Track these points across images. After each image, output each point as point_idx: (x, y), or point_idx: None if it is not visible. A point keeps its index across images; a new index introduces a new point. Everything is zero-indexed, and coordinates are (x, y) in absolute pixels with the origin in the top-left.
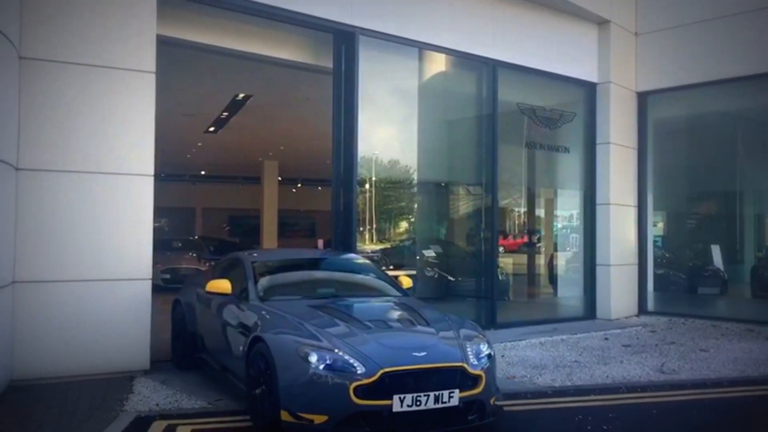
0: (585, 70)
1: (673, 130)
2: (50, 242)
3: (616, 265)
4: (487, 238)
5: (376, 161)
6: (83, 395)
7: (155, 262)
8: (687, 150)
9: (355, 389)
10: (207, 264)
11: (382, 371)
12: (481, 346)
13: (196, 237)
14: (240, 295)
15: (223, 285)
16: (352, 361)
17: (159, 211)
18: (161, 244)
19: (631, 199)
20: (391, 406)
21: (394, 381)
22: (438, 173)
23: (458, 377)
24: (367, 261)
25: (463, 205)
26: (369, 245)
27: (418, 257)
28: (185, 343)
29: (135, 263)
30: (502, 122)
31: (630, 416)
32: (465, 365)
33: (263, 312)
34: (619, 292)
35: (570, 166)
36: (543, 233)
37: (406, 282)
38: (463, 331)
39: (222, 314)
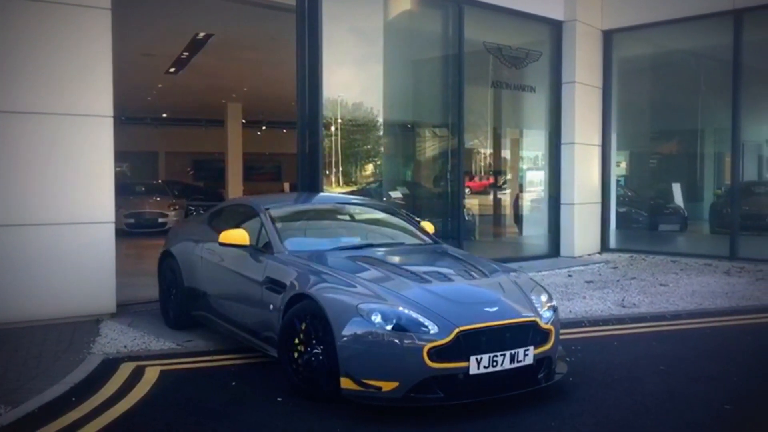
0: (551, 8)
1: (637, 69)
2: (9, 185)
3: (579, 203)
4: (454, 180)
5: (341, 103)
6: (49, 339)
7: (118, 207)
8: (650, 89)
9: (429, 351)
10: (183, 210)
11: (458, 330)
12: (543, 297)
13: (160, 181)
14: (260, 247)
15: (239, 236)
16: (422, 319)
17: (121, 155)
18: (124, 189)
19: (596, 138)
20: (467, 368)
21: (469, 341)
22: (404, 114)
23: (531, 333)
24: (388, 205)
25: (430, 146)
26: (336, 188)
27: (384, 199)
28: (180, 300)
29: (96, 207)
30: (469, 62)
31: (592, 348)
32: (537, 320)
33: (300, 266)
34: (582, 230)
35: (536, 106)
36: (509, 174)
37: (429, 227)
38: (521, 281)
39: (239, 269)
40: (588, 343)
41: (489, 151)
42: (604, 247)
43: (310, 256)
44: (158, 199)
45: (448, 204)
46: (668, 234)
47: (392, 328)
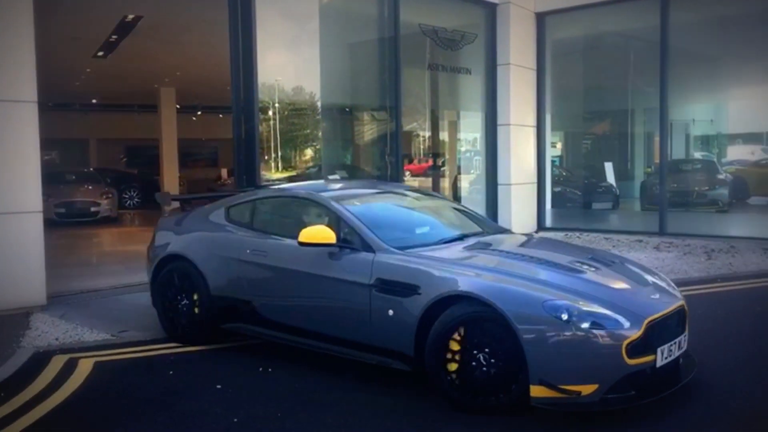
0: None
1: (570, 51)
2: None
3: (516, 184)
4: (392, 163)
5: (279, 87)
6: None
7: (48, 196)
8: (583, 70)
9: (627, 347)
10: (115, 199)
11: (647, 321)
12: (665, 279)
13: (91, 169)
14: (351, 245)
15: (324, 233)
16: (611, 314)
17: (49, 143)
18: (53, 177)
19: (531, 119)
20: (654, 361)
21: (654, 331)
22: (342, 98)
23: (684, 317)
24: (429, 191)
25: (369, 129)
26: (275, 174)
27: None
28: (205, 312)
29: (22, 196)
30: (405, 44)
31: None
32: (684, 304)
33: (430, 263)
34: (519, 210)
35: (472, 88)
36: (447, 156)
37: None
38: (639, 264)
39: (321, 271)
40: None
41: (428, 133)
42: (540, 225)
43: (426, 251)
44: (90, 187)
45: None
46: (601, 212)
47: (588, 325)
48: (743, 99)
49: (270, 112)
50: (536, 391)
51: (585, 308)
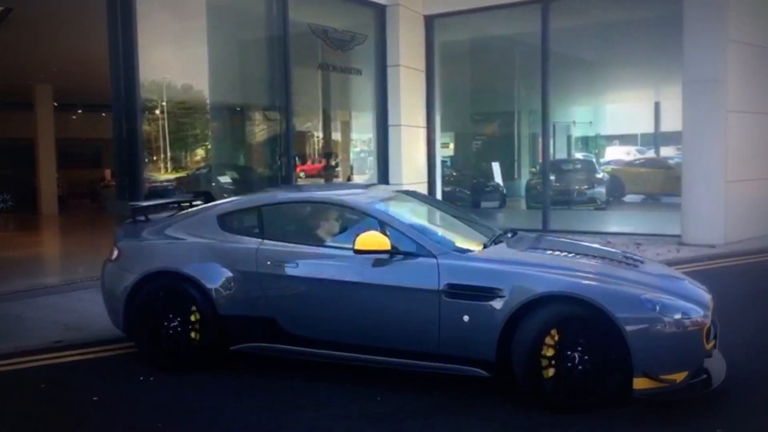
0: None
1: (459, 53)
2: None
3: (407, 184)
4: (284, 163)
5: (166, 85)
6: None
7: None
8: (472, 73)
9: (705, 333)
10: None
11: (711, 309)
12: None
13: None
14: (403, 251)
15: (380, 240)
16: (689, 304)
17: None
18: None
19: (421, 120)
20: (713, 347)
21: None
22: (232, 97)
23: None
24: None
25: (260, 129)
26: (163, 174)
27: (213, 184)
28: (210, 335)
29: None
30: (296, 44)
31: None
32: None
33: (506, 265)
34: None
35: (363, 88)
36: (340, 156)
37: None
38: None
39: (377, 280)
40: None
41: (321, 134)
42: None
43: (492, 253)
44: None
45: None
46: (489, 210)
47: (680, 317)
48: (619, 102)
49: (157, 111)
50: (639, 383)
51: (670, 301)
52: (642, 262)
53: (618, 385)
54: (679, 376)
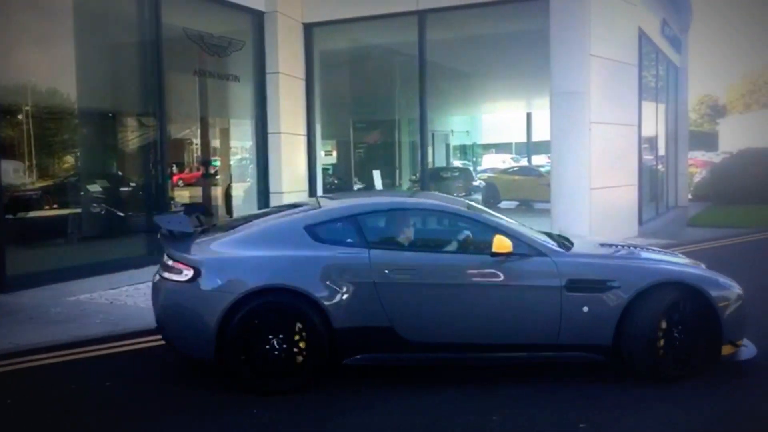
0: None
1: (340, 62)
2: None
3: (288, 192)
4: (159, 171)
5: (31, 88)
6: None
7: None
8: (353, 81)
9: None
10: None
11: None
12: None
13: None
14: (517, 254)
15: (508, 243)
16: (734, 283)
17: None
18: None
19: (301, 128)
20: None
21: None
22: (102, 102)
23: None
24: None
25: (133, 136)
26: (27, 182)
27: (82, 193)
28: (323, 350)
29: None
30: (171, 49)
31: None
32: None
33: (610, 260)
34: None
35: (242, 95)
36: (219, 164)
37: None
38: None
39: (503, 280)
40: None
41: (199, 141)
42: None
43: (585, 250)
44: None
45: (152, 196)
46: None
47: (741, 293)
48: (495, 112)
49: (19, 115)
50: (725, 350)
51: (727, 281)
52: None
53: (707, 353)
54: (740, 342)
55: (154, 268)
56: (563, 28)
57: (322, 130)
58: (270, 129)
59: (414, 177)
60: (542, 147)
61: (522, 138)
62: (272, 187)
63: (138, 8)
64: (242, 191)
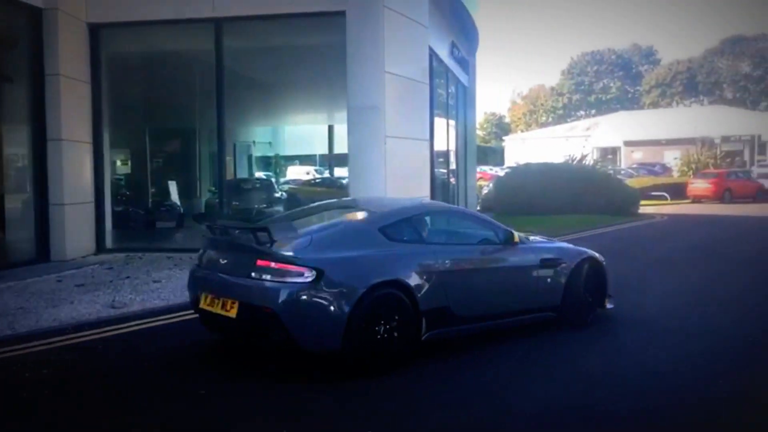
0: None
1: (133, 66)
2: None
3: (70, 204)
4: None
5: None
6: None
7: None
8: (148, 87)
9: None
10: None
11: None
12: None
13: None
14: (509, 241)
15: (517, 236)
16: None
17: None
18: None
19: (86, 135)
20: None
21: None
22: None
23: None
24: None
25: None
26: None
27: None
28: (413, 329)
29: None
30: None
31: (72, 356)
32: None
33: (555, 245)
34: (74, 231)
35: (16, 98)
36: None
37: None
38: None
39: (510, 263)
40: (68, 350)
41: None
42: (101, 247)
43: (541, 240)
44: None
45: None
46: (166, 230)
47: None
48: (297, 124)
49: None
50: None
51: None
52: None
53: (599, 303)
54: (611, 295)
55: None
56: (359, 44)
57: (112, 137)
58: (50, 135)
59: (212, 188)
60: (344, 159)
61: (324, 150)
62: (52, 199)
63: None
64: (20, 202)
